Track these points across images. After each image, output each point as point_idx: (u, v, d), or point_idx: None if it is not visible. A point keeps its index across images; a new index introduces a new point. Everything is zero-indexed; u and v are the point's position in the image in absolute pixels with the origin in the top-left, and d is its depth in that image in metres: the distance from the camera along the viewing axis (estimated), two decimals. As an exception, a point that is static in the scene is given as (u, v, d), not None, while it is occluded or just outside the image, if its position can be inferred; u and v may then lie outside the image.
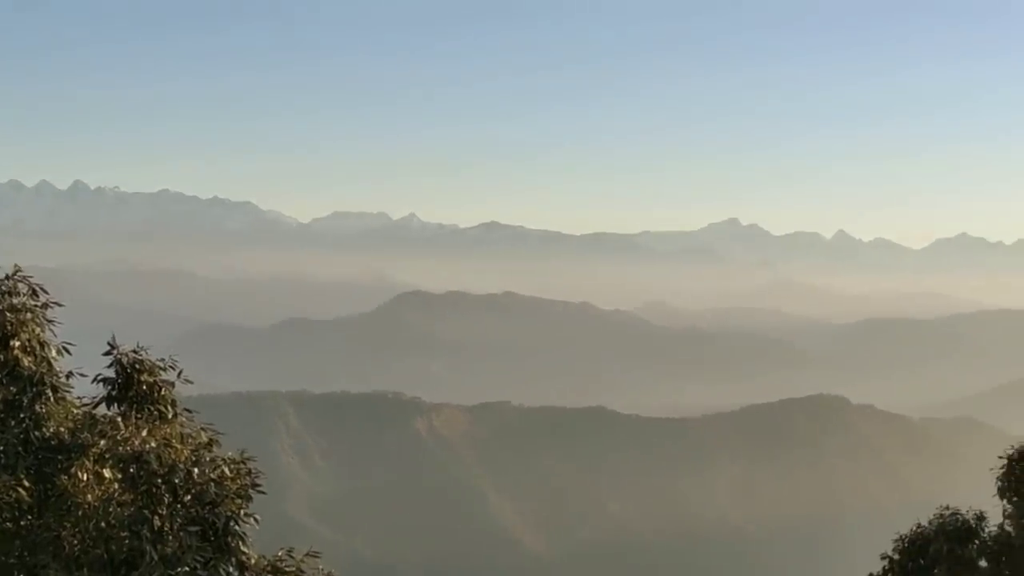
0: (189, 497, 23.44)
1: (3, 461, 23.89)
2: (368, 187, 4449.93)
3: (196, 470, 23.48)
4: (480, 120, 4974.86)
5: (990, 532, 38.51)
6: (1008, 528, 38.20)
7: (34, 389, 24.46)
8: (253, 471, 24.09)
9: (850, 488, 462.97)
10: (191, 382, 25.31)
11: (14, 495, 23.53)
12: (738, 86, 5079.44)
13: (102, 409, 24.81)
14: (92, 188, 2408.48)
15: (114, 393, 24.85)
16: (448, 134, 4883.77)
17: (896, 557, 39.13)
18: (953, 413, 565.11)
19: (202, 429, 24.70)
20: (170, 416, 24.63)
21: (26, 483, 23.67)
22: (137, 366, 24.71)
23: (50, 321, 25.15)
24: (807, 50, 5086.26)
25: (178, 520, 23.23)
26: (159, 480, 23.19)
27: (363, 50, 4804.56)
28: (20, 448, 23.98)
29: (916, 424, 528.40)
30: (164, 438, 23.68)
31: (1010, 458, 39.36)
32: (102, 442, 23.78)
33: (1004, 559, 37.88)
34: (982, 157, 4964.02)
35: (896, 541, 39.19)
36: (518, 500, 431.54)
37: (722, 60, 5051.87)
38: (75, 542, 23.45)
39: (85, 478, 23.77)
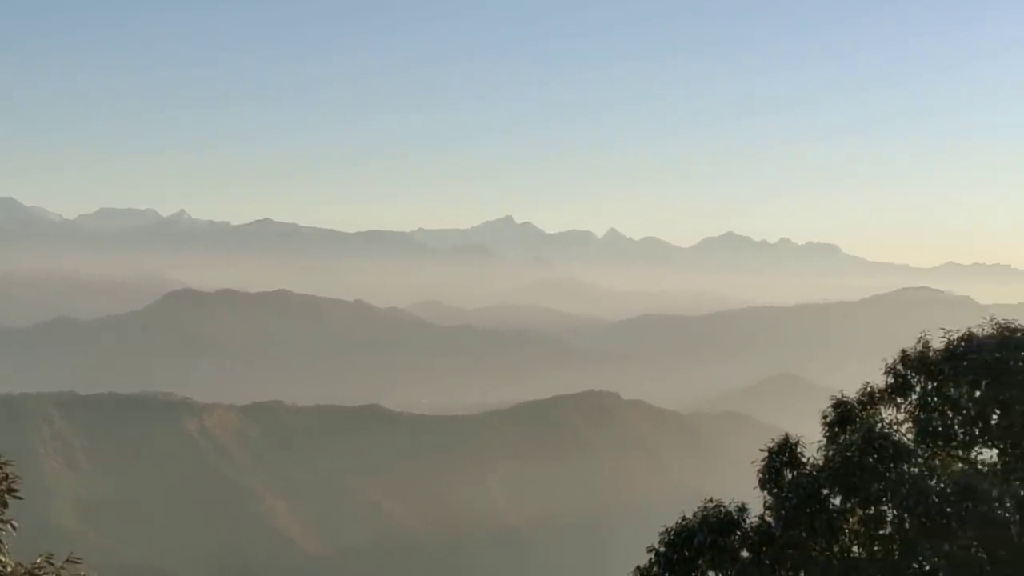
0: (-60, 504, 22.56)
1: None
2: (136, 183, 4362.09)
3: (-53, 476, 22.61)
4: (252, 116, 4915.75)
5: (751, 523, 39.52)
6: (768, 519, 39.26)
7: None
8: (10, 475, 23.34)
9: (621, 483, 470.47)
10: (-57, 385, 24.34)
11: None
12: (510, 91, 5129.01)
13: None
14: None
15: None
16: (220, 129, 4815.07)
17: (662, 550, 39.87)
18: (721, 408, 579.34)
19: (-45, 433, 23.77)
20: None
21: None
22: None
23: None
24: (577, 59, 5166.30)
25: (-72, 529, 22.33)
26: (-93, 487, 22.26)
27: (128, 44, 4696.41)
28: None
29: (685, 419, 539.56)
30: (-87, 443, 22.72)
31: (771, 451, 40.51)
32: None
33: (765, 550, 38.90)
34: (746, 160, 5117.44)
35: (662, 534, 39.95)
36: (292, 500, 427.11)
37: (494, 68, 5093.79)
38: None
39: None
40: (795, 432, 41.36)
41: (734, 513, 39.67)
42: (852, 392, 41.46)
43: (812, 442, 40.67)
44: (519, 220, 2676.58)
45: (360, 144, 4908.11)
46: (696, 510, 40.07)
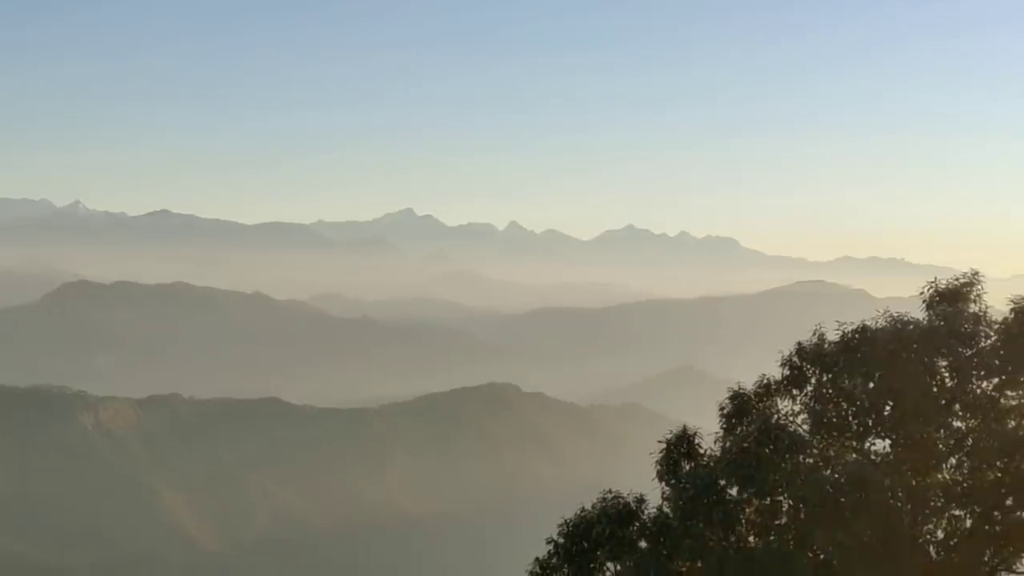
0: None
1: None
2: (29, 172, 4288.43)
3: None
4: (150, 107, 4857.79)
5: (650, 514, 39.80)
6: (666, 510, 39.55)
7: None
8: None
9: (521, 474, 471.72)
10: None
11: None
12: (409, 85, 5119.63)
13: None
14: None
15: None
16: (114, 117, 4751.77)
17: (561, 541, 40.02)
18: (620, 400, 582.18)
19: None
20: None
21: None
22: None
23: None
24: (477, 54, 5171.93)
25: None
26: None
27: (21, 27, 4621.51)
28: None
29: (585, 411, 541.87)
30: None
31: (669, 442, 40.83)
32: None
33: (663, 540, 39.18)
34: (647, 154, 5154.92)
35: (561, 525, 40.08)
36: (191, 494, 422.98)
37: (392, 63, 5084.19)
38: None
39: None
40: (693, 424, 41.69)
41: (632, 504, 39.94)
42: (749, 384, 41.84)
43: (709, 433, 41.05)
44: (420, 213, 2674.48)
45: (259, 136, 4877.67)
46: (595, 501, 40.27)
